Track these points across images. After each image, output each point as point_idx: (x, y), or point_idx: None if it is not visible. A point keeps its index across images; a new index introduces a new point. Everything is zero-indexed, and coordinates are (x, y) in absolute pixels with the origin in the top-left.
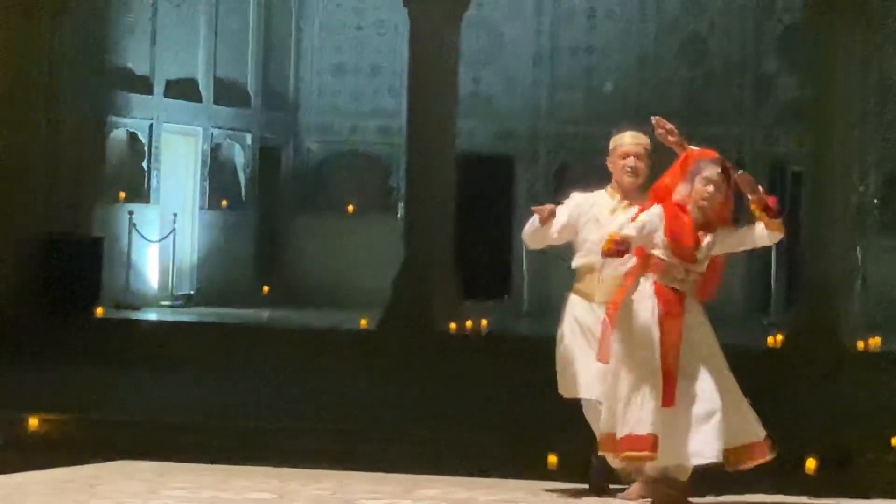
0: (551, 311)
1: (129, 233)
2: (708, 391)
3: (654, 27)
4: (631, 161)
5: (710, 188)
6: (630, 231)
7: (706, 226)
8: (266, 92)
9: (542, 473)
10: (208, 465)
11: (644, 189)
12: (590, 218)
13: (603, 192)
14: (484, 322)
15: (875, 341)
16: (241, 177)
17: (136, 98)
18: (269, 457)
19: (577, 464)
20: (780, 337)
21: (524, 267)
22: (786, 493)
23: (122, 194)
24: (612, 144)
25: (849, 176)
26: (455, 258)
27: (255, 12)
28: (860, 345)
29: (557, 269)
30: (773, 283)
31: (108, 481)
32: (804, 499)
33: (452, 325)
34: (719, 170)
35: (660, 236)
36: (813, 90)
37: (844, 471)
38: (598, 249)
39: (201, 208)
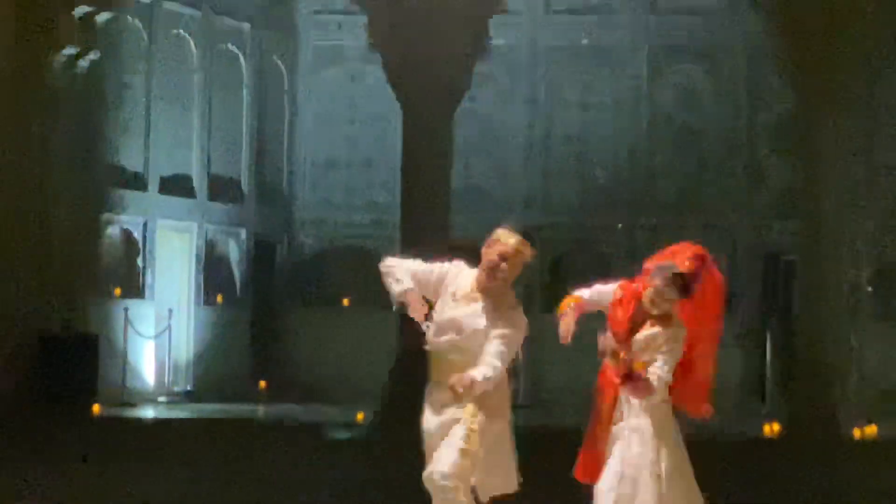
0: (546, 402)
1: (125, 329)
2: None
3: (647, 118)
4: (496, 261)
5: (653, 294)
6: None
7: (659, 320)
8: (260, 187)
9: None
10: None
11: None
12: (447, 292)
13: (473, 275)
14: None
15: (871, 429)
16: (236, 272)
17: (130, 195)
18: None
19: None
20: (776, 426)
21: (519, 357)
22: None
23: (118, 290)
24: (494, 235)
25: (841, 263)
26: None
27: (248, 109)
28: (857, 433)
29: (552, 359)
30: (768, 371)
31: None
32: None
33: None
34: (668, 278)
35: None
36: (805, 178)
37: None
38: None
39: (196, 304)
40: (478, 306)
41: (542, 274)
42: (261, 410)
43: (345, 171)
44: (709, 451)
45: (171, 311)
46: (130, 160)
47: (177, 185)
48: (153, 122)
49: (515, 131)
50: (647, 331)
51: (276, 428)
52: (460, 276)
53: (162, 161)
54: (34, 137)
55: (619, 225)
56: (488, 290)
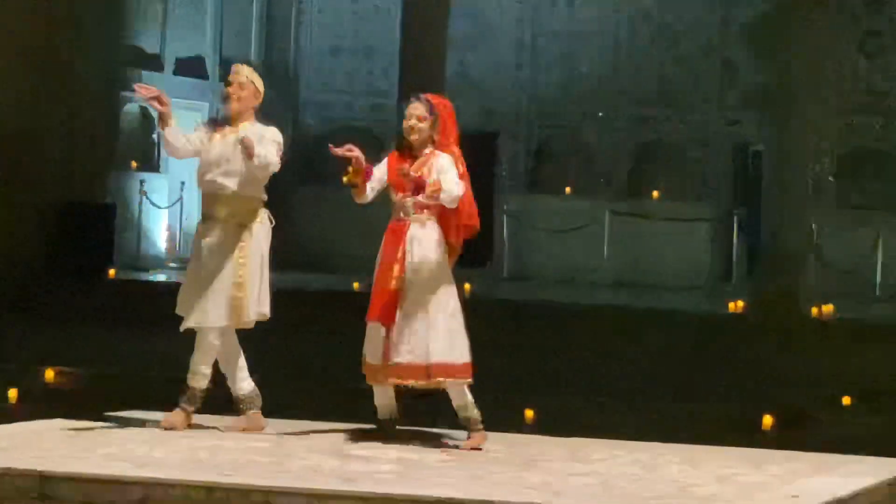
0: (529, 276)
1: (140, 200)
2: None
3: (628, 16)
4: (231, 89)
5: (410, 123)
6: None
7: (430, 157)
8: (268, 71)
9: (519, 427)
10: (212, 416)
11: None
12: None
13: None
14: (467, 286)
15: (828, 308)
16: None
17: (147, 75)
18: (264, 411)
19: (553, 419)
20: (741, 303)
21: (504, 234)
22: (742, 447)
23: (134, 163)
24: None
25: (805, 156)
26: None
27: None
28: (814, 311)
29: (534, 235)
30: (734, 253)
31: (116, 430)
32: (761, 451)
33: None
34: (421, 105)
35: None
36: (774, 76)
37: (799, 428)
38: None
39: None
40: (231, 137)
41: (529, 157)
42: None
43: (348, 59)
44: (676, 324)
45: (183, 183)
46: (149, 43)
47: (191, 67)
48: (170, 9)
49: (506, 27)
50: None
51: (278, 294)
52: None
53: (177, 44)
54: (63, 21)
55: (601, 114)
56: (232, 119)
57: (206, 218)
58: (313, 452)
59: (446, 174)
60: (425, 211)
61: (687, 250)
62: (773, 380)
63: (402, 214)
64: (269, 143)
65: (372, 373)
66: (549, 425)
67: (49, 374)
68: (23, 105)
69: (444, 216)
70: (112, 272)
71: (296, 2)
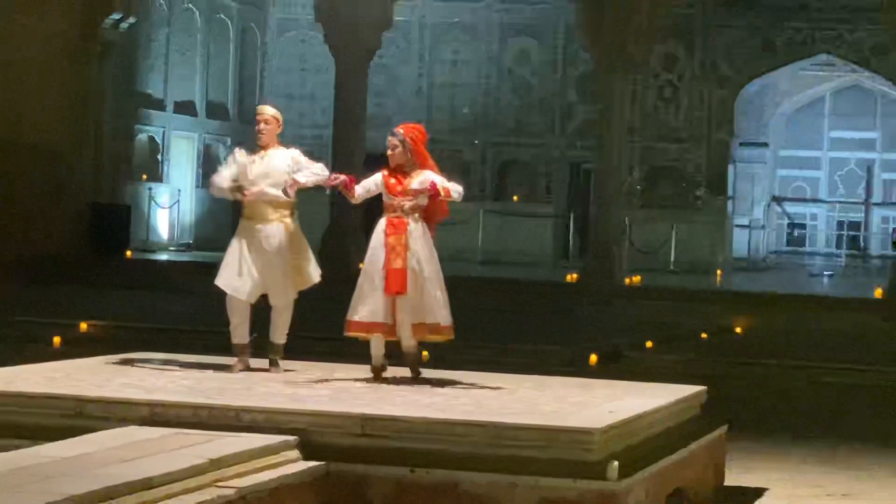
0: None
1: (149, 202)
2: (426, 280)
3: (495, 71)
4: (260, 126)
5: (388, 151)
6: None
7: (412, 172)
8: (240, 110)
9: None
10: (203, 357)
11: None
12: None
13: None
14: None
15: (637, 279)
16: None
17: (154, 113)
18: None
19: (440, 359)
20: (574, 275)
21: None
22: (575, 377)
23: (144, 176)
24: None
25: (620, 171)
26: (364, 222)
27: (233, 58)
28: (627, 281)
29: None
30: (570, 239)
31: (131, 365)
32: (588, 380)
33: (361, 265)
34: (394, 139)
35: (381, 190)
36: (599, 115)
37: (615, 364)
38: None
39: (196, 187)
40: (267, 159)
41: None
42: None
43: (297, 102)
44: (529, 290)
45: (179, 190)
46: (155, 90)
47: (185, 107)
48: (170, 66)
49: (409, 78)
50: (413, 182)
51: None
52: (243, 156)
53: (175, 91)
54: (92, 74)
55: (476, 141)
56: (263, 147)
57: (257, 219)
58: (272, 382)
59: (445, 183)
60: (417, 212)
61: (537, 238)
62: (598, 329)
63: (399, 213)
64: (308, 164)
65: (369, 328)
66: (438, 363)
67: (83, 325)
68: (66, 136)
69: (430, 211)
70: (129, 253)
71: (260, 62)
